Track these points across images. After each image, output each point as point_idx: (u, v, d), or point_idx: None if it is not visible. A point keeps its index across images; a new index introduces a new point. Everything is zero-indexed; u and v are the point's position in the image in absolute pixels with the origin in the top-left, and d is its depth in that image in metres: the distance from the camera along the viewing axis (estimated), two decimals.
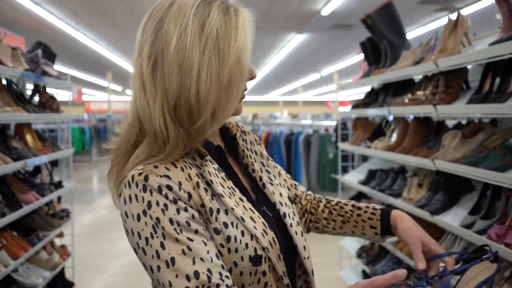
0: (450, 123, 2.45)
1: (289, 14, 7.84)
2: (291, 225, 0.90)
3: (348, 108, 4.12)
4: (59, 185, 3.03)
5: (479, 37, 2.20)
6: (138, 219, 0.75)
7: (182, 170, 0.79)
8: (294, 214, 0.93)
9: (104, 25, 8.83)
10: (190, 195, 0.77)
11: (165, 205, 0.75)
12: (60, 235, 3.08)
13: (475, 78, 2.01)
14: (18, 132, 2.65)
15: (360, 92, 5.95)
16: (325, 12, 7.47)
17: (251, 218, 0.82)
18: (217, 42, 0.77)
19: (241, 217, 0.80)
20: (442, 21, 7.62)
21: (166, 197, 0.75)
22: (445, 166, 1.86)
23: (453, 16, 1.99)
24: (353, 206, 1.05)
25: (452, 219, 1.91)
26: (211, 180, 0.80)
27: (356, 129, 3.26)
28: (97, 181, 10.21)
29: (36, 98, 2.88)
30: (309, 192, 1.15)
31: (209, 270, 0.72)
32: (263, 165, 0.97)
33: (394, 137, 2.56)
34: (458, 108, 1.82)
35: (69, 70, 3.52)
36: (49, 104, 2.83)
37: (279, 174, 1.04)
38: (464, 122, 2.19)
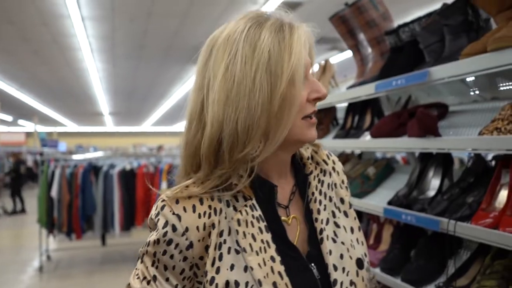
0: None
1: (194, 46, 8.04)
2: None
3: None
4: None
5: (348, 78, 2.53)
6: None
7: (199, 217, 0.74)
8: (352, 285, 0.77)
9: None
10: (191, 245, 0.74)
11: (159, 240, 0.74)
12: None
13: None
14: None
15: None
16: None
17: (274, 283, 0.72)
18: (269, 65, 0.71)
19: (259, 280, 0.71)
20: (334, 58, 8.39)
21: (165, 234, 0.74)
22: None
23: (322, 62, 2.28)
24: None
25: None
26: (237, 231, 0.74)
27: None
28: None
29: None
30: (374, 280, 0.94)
31: None
32: (334, 216, 0.83)
33: None
34: (328, 142, 2.07)
35: None
36: None
37: (359, 229, 0.87)
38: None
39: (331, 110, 2.24)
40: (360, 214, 1.96)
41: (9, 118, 20.04)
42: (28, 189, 15.99)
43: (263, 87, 0.70)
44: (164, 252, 0.74)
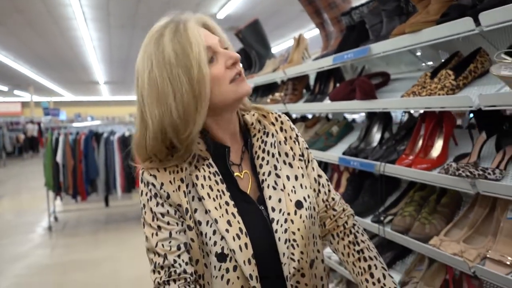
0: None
1: None
2: (276, 231, 0.93)
3: None
4: None
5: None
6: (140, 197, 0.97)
7: (169, 173, 0.93)
8: (287, 222, 0.94)
9: None
10: (168, 195, 0.92)
11: (150, 197, 0.93)
12: None
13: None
14: None
15: None
16: (220, 15, 7.99)
17: (228, 221, 0.90)
18: (179, 61, 0.85)
19: (215, 219, 0.90)
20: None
21: (150, 191, 0.93)
22: None
23: (296, 36, 2.62)
24: (369, 267, 1.00)
25: None
26: (196, 183, 0.92)
27: None
28: None
29: None
30: (347, 213, 1.09)
31: (165, 254, 0.90)
32: (275, 168, 0.99)
33: None
34: (298, 106, 2.44)
35: None
36: None
37: (304, 176, 1.02)
38: (310, 116, 2.85)
39: (304, 78, 2.60)
40: (325, 164, 2.36)
41: (4, 88, 20.13)
42: (29, 158, 16.40)
43: (181, 79, 0.85)
44: (157, 204, 0.92)
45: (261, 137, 1.01)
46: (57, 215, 6.62)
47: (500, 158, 1.31)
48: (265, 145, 1.00)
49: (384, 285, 0.97)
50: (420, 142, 1.60)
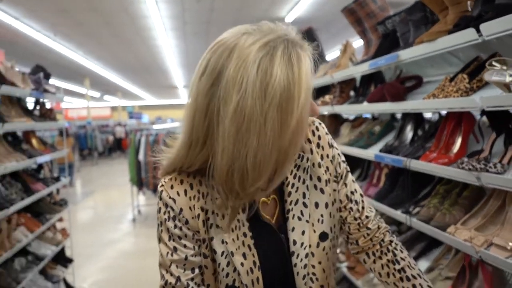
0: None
1: (257, 18, 8.58)
2: (295, 265, 0.89)
3: None
4: (57, 179, 3.74)
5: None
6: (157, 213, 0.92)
7: (190, 199, 0.87)
8: (307, 256, 0.89)
9: (81, 35, 9.36)
10: (187, 221, 0.87)
11: (168, 217, 0.88)
12: (60, 219, 3.79)
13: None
14: (25, 137, 3.36)
15: None
16: (288, 19, 8.25)
17: (243, 254, 0.86)
18: (280, 103, 0.71)
19: (232, 252, 0.86)
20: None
21: (169, 212, 0.88)
22: (340, 148, 2.68)
23: (344, 42, 2.81)
24: (413, 287, 0.91)
25: None
26: (216, 212, 0.86)
27: None
28: (80, 185, 10.80)
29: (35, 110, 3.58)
30: (382, 230, 1.01)
31: (178, 277, 0.87)
32: (304, 196, 0.91)
33: None
34: (344, 107, 2.64)
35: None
36: (47, 114, 3.54)
37: (334, 203, 0.95)
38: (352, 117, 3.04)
39: (351, 81, 2.78)
40: (365, 161, 2.54)
41: (97, 94, 22.21)
42: (117, 157, 17.98)
43: (274, 124, 0.70)
44: (175, 226, 0.88)
45: (295, 160, 0.91)
46: (140, 208, 7.35)
47: (503, 154, 1.44)
48: (298, 169, 0.92)
49: None
50: (443, 140, 1.75)
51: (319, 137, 0.96)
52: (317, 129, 0.96)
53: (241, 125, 0.71)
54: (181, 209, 0.87)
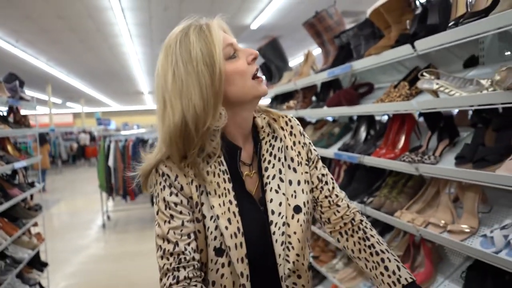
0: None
1: None
2: (273, 233, 0.98)
3: None
4: (32, 185, 3.82)
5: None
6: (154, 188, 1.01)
7: (184, 167, 0.97)
8: (284, 225, 0.98)
9: (45, 42, 9.23)
10: (182, 187, 0.96)
11: (164, 186, 0.97)
12: (35, 224, 3.87)
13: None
14: (1, 144, 3.44)
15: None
16: (254, 26, 8.48)
17: (228, 219, 0.95)
18: (204, 59, 0.90)
19: (218, 215, 0.94)
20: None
21: (165, 181, 0.97)
22: None
23: (306, 51, 3.09)
24: (382, 260, 1.00)
25: None
26: (205, 179, 0.96)
27: None
28: (47, 193, 10.62)
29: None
30: (352, 210, 1.11)
31: (176, 242, 0.93)
32: (280, 172, 1.02)
33: None
34: (307, 111, 2.91)
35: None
36: (22, 121, 3.63)
37: (307, 182, 1.06)
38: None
39: (312, 87, 3.06)
40: (327, 160, 2.82)
41: (58, 101, 21.70)
42: (82, 165, 17.68)
43: (205, 75, 0.90)
44: (170, 194, 0.96)
45: (269, 140, 1.05)
46: (110, 214, 7.39)
47: (436, 148, 1.74)
48: (273, 148, 1.04)
49: (400, 276, 0.96)
50: (390, 138, 2.04)
51: (291, 127, 1.09)
52: (290, 120, 1.11)
53: (181, 86, 0.90)
54: (176, 176, 0.96)
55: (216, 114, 0.92)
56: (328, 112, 2.50)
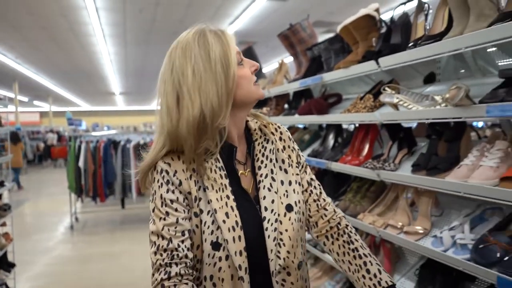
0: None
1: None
2: (266, 229, 1.01)
3: None
4: (2, 184, 3.78)
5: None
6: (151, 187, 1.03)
7: (183, 163, 1.00)
8: (276, 222, 1.02)
9: (15, 39, 9.03)
10: (180, 182, 0.99)
11: (162, 183, 1.00)
12: (4, 224, 3.83)
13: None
14: None
15: None
16: (229, 32, 8.60)
17: (226, 213, 0.98)
18: (221, 60, 0.97)
19: (215, 209, 0.97)
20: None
21: (163, 178, 1.00)
22: None
23: (279, 61, 3.23)
24: (364, 264, 1.05)
25: None
26: (202, 174, 1.00)
27: None
28: (12, 193, 10.34)
29: None
30: (339, 215, 1.16)
31: (170, 238, 0.96)
32: (272, 172, 1.08)
33: None
34: (279, 118, 3.04)
35: None
36: None
37: (298, 183, 1.11)
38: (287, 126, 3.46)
39: (285, 96, 3.20)
40: None
41: (25, 99, 21.09)
42: (48, 165, 17.24)
43: (221, 75, 0.96)
44: (167, 191, 0.99)
45: (262, 142, 1.11)
46: (78, 215, 7.29)
47: (395, 156, 1.90)
48: (265, 150, 1.10)
49: (381, 279, 1.01)
50: (355, 146, 2.20)
51: (281, 133, 1.17)
52: (279, 127, 1.19)
53: (200, 82, 0.95)
54: (175, 171, 1.00)
55: (227, 112, 0.98)
56: (299, 120, 2.64)
